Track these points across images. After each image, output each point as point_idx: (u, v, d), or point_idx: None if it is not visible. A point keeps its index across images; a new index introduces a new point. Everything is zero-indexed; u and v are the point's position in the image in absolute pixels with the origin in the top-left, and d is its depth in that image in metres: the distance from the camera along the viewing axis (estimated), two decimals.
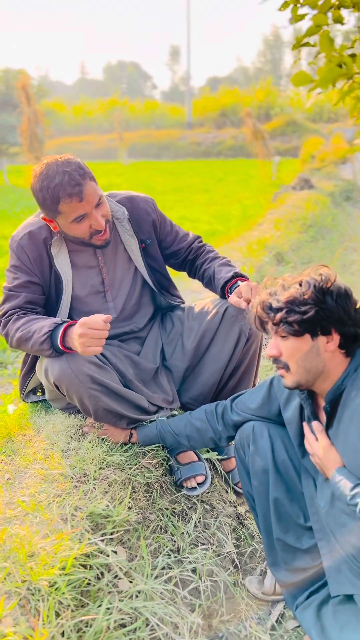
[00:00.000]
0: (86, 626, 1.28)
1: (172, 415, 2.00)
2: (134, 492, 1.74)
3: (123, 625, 1.35)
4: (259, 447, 1.57)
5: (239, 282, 1.93)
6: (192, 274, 2.19)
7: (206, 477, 1.92)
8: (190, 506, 1.91)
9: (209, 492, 2.00)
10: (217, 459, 2.14)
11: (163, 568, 1.61)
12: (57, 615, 1.25)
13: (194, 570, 1.69)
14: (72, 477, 1.65)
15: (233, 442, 1.75)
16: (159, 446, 1.93)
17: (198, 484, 1.89)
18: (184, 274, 2.26)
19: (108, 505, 1.57)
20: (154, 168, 21.33)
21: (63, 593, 1.28)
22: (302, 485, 1.54)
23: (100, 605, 1.33)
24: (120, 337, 2.05)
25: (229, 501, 2.06)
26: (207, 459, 2.09)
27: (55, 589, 1.28)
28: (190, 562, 1.70)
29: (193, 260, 2.15)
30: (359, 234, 7.24)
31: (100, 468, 1.71)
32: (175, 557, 1.69)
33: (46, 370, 1.74)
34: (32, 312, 1.84)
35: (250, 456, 1.60)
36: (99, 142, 31.74)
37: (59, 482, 1.62)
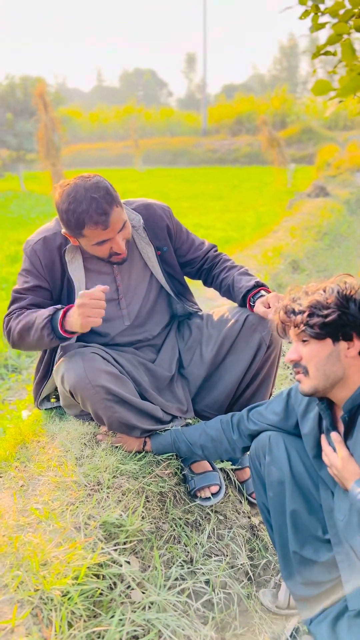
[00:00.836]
0: (98, 637, 1.27)
1: (187, 424, 1.99)
2: (148, 501, 1.73)
3: (136, 637, 1.33)
4: (275, 457, 1.55)
5: (262, 291, 1.92)
6: (208, 283, 2.18)
7: (220, 487, 1.90)
8: (203, 516, 1.90)
9: (222, 503, 1.98)
10: (231, 469, 2.12)
11: (176, 579, 1.60)
12: (70, 625, 1.24)
13: (207, 582, 1.67)
14: (85, 485, 1.64)
15: (248, 452, 1.73)
16: (172, 455, 1.91)
17: (212, 494, 1.87)
18: (199, 282, 2.25)
19: (121, 515, 1.56)
20: (168, 175, 21.41)
21: (76, 603, 1.27)
22: (319, 498, 1.51)
23: (112, 616, 1.32)
24: (135, 345, 2.04)
25: (243, 512, 2.04)
26: (221, 469, 2.07)
27: (68, 599, 1.27)
28: (203, 573, 1.68)
29: (209, 269, 2.14)
30: None
31: (114, 476, 1.70)
32: (189, 568, 1.67)
33: (62, 377, 1.74)
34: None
35: (266, 467, 1.58)
36: (114, 149, 31.95)
37: (73, 490, 1.62)
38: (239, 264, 2.16)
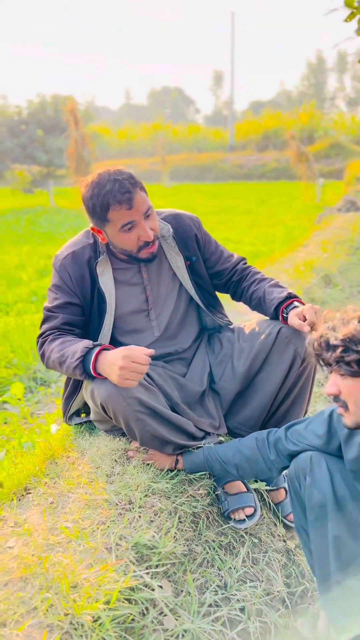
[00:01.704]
0: None
1: (220, 442, 1.93)
2: (180, 522, 1.66)
3: None
4: (317, 479, 1.47)
5: (296, 303, 1.85)
6: (237, 297, 2.13)
7: (255, 509, 1.82)
8: (237, 539, 1.82)
9: (257, 525, 1.90)
10: (266, 490, 2.04)
11: (210, 605, 1.52)
12: None
13: (242, 609, 1.59)
14: (116, 504, 1.59)
15: (283, 472, 1.66)
16: (205, 474, 1.85)
17: (247, 516, 1.80)
18: (228, 295, 2.20)
19: (154, 536, 1.50)
20: (196, 190, 21.50)
21: (107, 629, 1.21)
22: None
23: None
24: (165, 358, 1.99)
25: (278, 535, 1.95)
26: (255, 489, 1.99)
27: (99, 625, 1.21)
28: (238, 600, 1.60)
29: (238, 281, 2.09)
30: None
31: (146, 495, 1.65)
32: (223, 593, 1.59)
33: (92, 391, 1.70)
34: (69, 334, 1.81)
35: (306, 489, 1.50)
36: (142, 165, 32.27)
37: (103, 508, 1.57)
38: (269, 276, 2.11)
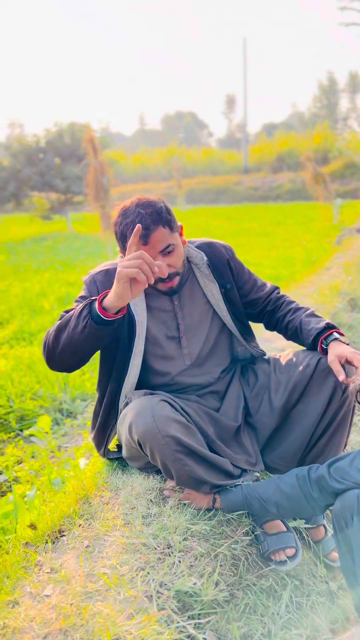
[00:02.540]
0: None
1: (257, 479, 1.87)
2: (220, 565, 1.60)
3: None
4: None
5: (335, 334, 1.81)
6: (272, 326, 2.09)
7: (297, 550, 1.75)
8: (278, 581, 1.74)
9: (297, 566, 1.82)
10: (304, 528, 1.97)
11: None
12: None
13: None
14: (155, 548, 1.53)
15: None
16: (243, 513, 1.79)
17: (288, 557, 1.73)
18: (257, 324, 2.16)
19: (195, 583, 1.44)
20: (212, 213, 21.62)
21: None
22: None
23: None
24: (197, 392, 1.95)
25: (320, 576, 1.88)
26: (294, 528, 1.92)
27: None
28: None
29: (272, 311, 2.05)
30: None
31: (185, 539, 1.59)
32: None
33: (130, 427, 1.66)
34: None
35: (354, 529, 1.43)
36: (158, 190, 32.63)
37: (142, 553, 1.51)
38: (303, 305, 2.06)
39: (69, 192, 23.79)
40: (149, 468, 1.89)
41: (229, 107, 75.38)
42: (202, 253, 1.91)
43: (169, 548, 1.54)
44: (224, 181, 32.69)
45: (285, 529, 1.79)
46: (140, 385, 1.89)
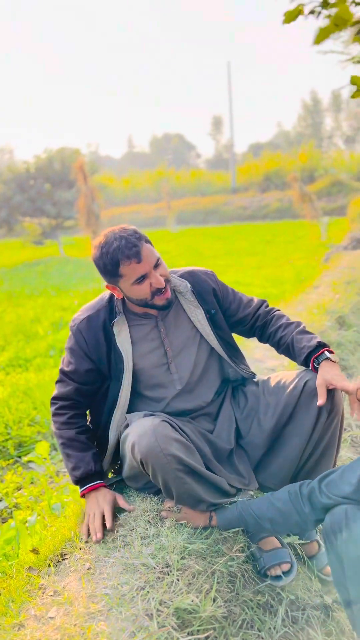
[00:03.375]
0: None
1: (251, 497, 1.93)
2: (217, 582, 1.66)
3: None
4: (354, 533, 1.47)
5: (326, 352, 1.89)
6: (264, 340, 2.16)
7: (292, 565, 1.81)
8: (274, 597, 1.80)
9: (292, 581, 1.88)
10: (299, 544, 2.03)
11: None
12: None
13: None
14: (154, 568, 1.59)
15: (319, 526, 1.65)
16: (238, 531, 1.85)
17: (283, 573, 1.79)
18: (245, 344, 2.24)
19: (193, 600, 1.50)
20: (202, 234, 21.86)
21: None
22: None
23: None
24: (190, 415, 2.02)
25: (315, 590, 1.93)
26: (288, 544, 1.98)
27: None
28: None
29: (263, 326, 2.13)
30: None
31: (182, 558, 1.65)
32: None
33: (133, 446, 1.72)
34: (80, 407, 2.01)
35: (344, 544, 1.50)
36: (147, 212, 32.99)
37: (141, 572, 1.57)
38: (294, 320, 2.14)
39: (60, 216, 24.05)
40: (147, 488, 1.95)
41: (216, 128, 76.49)
42: (186, 282, 2.00)
43: (167, 567, 1.60)
44: (212, 201, 33.07)
45: (280, 545, 1.85)
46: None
